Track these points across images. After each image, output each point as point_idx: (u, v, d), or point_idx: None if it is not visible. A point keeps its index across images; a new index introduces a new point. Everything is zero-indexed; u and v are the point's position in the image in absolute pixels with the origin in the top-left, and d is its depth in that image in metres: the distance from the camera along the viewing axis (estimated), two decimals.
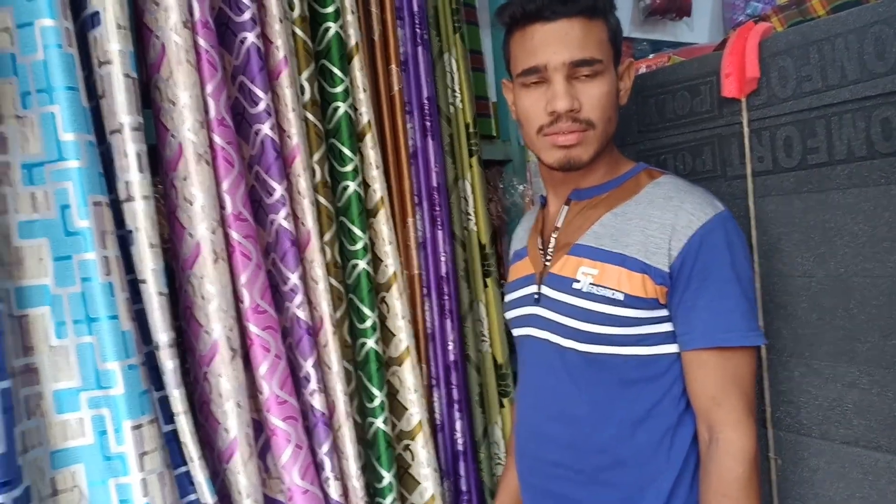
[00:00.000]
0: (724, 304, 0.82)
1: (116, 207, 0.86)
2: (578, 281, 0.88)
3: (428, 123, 1.32)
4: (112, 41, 0.83)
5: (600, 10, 0.87)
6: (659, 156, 1.10)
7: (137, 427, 0.81)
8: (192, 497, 0.88)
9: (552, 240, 0.95)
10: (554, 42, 0.85)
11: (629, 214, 0.88)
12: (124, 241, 0.86)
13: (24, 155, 0.80)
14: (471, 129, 1.42)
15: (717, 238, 0.83)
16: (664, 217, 0.85)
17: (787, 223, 0.94)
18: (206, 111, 0.94)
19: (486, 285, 1.41)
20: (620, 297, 0.84)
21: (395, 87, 1.27)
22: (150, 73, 0.93)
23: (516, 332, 1.00)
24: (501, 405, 1.40)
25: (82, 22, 0.86)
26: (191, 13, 0.93)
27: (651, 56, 1.51)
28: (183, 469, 0.88)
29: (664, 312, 0.85)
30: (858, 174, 0.86)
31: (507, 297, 1.02)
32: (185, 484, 0.88)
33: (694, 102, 1.03)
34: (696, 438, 0.88)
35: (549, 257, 0.95)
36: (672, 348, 0.86)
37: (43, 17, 0.78)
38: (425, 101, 1.32)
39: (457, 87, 1.41)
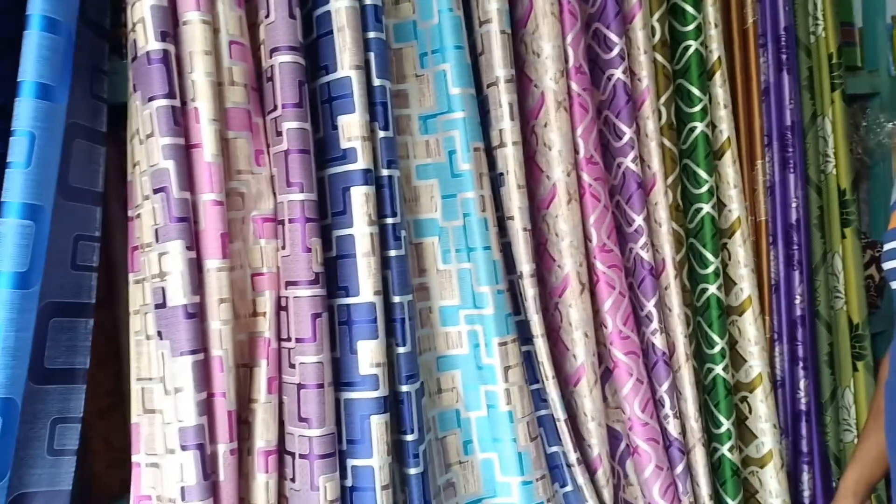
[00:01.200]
0: None
1: (489, 152, 0.97)
2: None
3: (784, 56, 1.21)
4: (492, 1, 0.93)
5: None
6: None
7: (503, 344, 0.93)
8: (545, 412, 0.98)
9: None
10: None
11: None
12: (494, 182, 0.97)
13: (421, 108, 0.95)
14: (834, 60, 1.26)
15: None
16: None
17: None
18: (566, 60, 1.00)
19: (844, 236, 1.26)
20: None
21: (750, 20, 1.18)
22: (517, 29, 1.02)
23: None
24: (855, 369, 1.26)
25: None
26: None
27: None
28: (536, 386, 0.99)
29: None
30: None
31: (887, 247, 0.91)
32: (537, 400, 0.99)
33: None
34: None
35: None
36: None
37: None
38: (782, 33, 1.20)
39: (819, 14, 1.26)
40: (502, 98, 0.94)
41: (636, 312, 1.06)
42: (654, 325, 1.05)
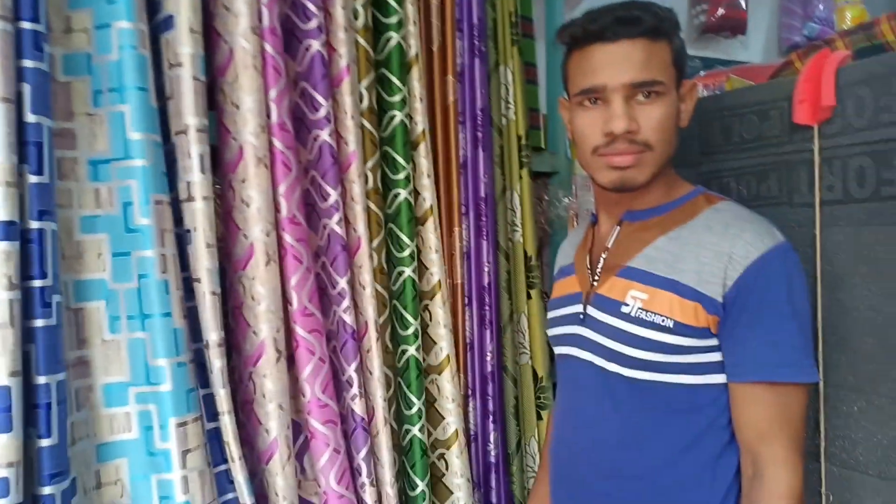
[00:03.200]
0: (779, 337, 0.80)
1: (176, 206, 0.88)
2: (627, 304, 0.87)
3: (479, 134, 1.32)
4: (184, 44, 0.85)
5: (664, 32, 0.86)
6: (721, 179, 1.08)
7: (182, 424, 0.83)
8: (231, 496, 0.89)
9: (601, 260, 0.94)
10: (615, 63, 0.84)
11: (684, 239, 0.87)
12: (181, 239, 0.88)
13: (92, 151, 0.82)
14: (523, 141, 1.41)
15: (776, 270, 0.81)
16: (721, 245, 0.83)
17: (856, 255, 0.91)
18: (269, 115, 0.95)
19: (529, 297, 1.40)
20: (670, 324, 0.83)
21: (451, 98, 1.27)
22: (216, 76, 0.95)
23: (558, 349, 0.99)
24: (539, 417, 1.39)
25: (155, 25, 0.87)
26: (260, 19, 0.94)
27: (703, 73, 1.49)
28: (223, 467, 0.90)
29: (714, 342, 0.84)
30: None
31: (551, 314, 1.02)
32: (223, 482, 0.89)
33: (763, 127, 1.01)
34: (738, 471, 0.86)
35: (596, 277, 0.93)
36: (721, 378, 0.85)
37: (121, 19, 0.80)
38: (479, 112, 1.32)
39: (511, 99, 1.40)
40: (192, 148, 0.86)
41: (337, 378, 1.04)
42: (354, 390, 1.03)
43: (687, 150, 1.14)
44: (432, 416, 1.22)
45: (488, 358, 1.32)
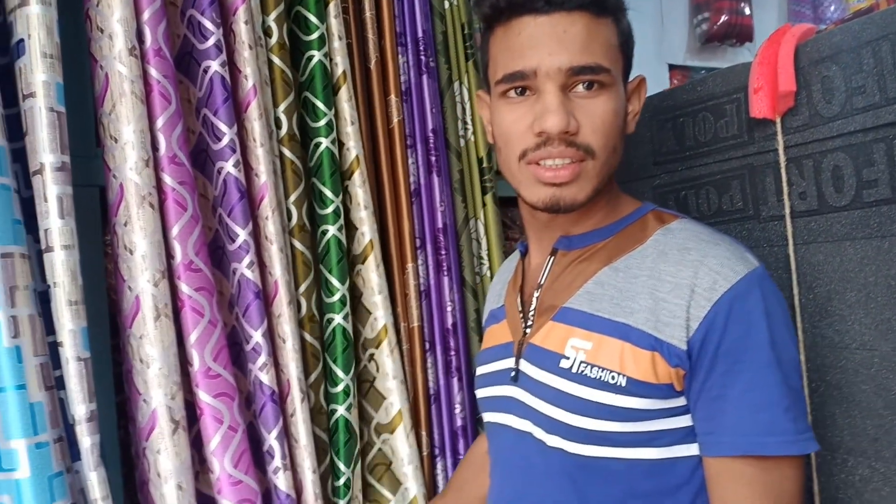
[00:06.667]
0: (762, 396, 0.61)
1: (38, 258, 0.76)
2: (567, 357, 0.68)
3: (433, 158, 1.18)
4: (36, 71, 0.74)
5: (610, 6, 0.68)
6: (679, 192, 0.90)
7: None
8: None
9: (534, 300, 0.75)
10: (548, 41, 0.65)
11: (634, 270, 0.68)
12: (45, 296, 0.75)
13: None
14: (484, 164, 1.27)
15: (752, 304, 0.62)
16: (680, 275, 0.64)
17: (840, 278, 0.73)
18: (157, 148, 0.84)
19: None
20: (622, 381, 0.64)
21: (395, 119, 1.14)
22: (96, 107, 0.84)
23: (487, 417, 0.79)
24: None
25: (11, 51, 0.77)
26: (141, 40, 0.83)
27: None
28: None
29: (682, 402, 0.65)
30: None
31: (479, 371, 0.82)
32: None
33: (718, 126, 0.83)
34: None
35: (529, 322, 0.74)
36: (695, 449, 0.66)
37: None
38: (430, 134, 1.18)
39: (468, 119, 1.27)
40: (49, 190, 0.74)
41: (258, 449, 0.89)
42: (277, 462, 0.88)
43: (641, 159, 0.97)
44: (391, 480, 1.06)
45: (457, 410, 1.16)
